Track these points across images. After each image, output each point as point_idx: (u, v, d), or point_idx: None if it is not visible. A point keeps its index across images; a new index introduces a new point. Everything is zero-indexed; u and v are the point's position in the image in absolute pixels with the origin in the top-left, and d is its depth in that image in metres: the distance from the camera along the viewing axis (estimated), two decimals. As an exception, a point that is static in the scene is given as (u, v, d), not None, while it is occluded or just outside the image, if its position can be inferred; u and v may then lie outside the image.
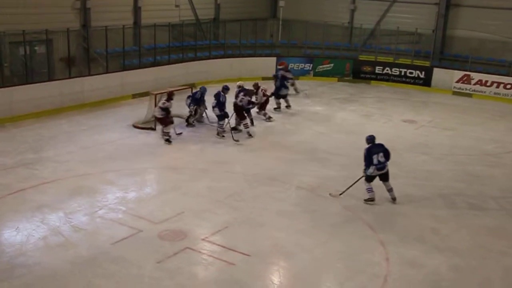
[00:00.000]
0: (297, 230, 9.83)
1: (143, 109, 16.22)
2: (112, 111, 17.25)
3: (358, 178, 11.20)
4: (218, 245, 9.13)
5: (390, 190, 11.23)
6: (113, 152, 13.43)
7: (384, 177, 11.14)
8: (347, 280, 8.35)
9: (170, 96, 14.44)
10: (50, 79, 17.01)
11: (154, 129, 15.20)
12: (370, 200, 11.09)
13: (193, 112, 15.78)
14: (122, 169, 12.29)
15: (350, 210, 10.75)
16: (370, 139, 11.22)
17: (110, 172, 12.08)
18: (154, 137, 14.76)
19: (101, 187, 11.30)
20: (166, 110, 14.25)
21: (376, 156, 10.98)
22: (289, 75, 18.72)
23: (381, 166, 10.99)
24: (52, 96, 16.46)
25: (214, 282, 8.17)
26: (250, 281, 8.18)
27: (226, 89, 15.17)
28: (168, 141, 14.19)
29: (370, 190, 11.11)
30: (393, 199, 11.22)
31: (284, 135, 15.45)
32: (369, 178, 11.10)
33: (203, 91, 15.93)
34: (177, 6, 22.44)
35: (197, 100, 15.74)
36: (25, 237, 9.08)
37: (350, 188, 11.26)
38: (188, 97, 15.95)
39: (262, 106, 16.77)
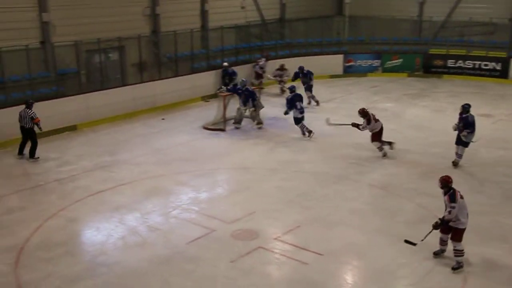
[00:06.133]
0: (370, 229, 9.66)
1: (212, 111, 16.48)
2: (183, 113, 17.64)
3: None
4: (291, 244, 9.12)
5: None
6: (185, 153, 13.73)
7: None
8: (422, 279, 8.12)
9: None
10: (124, 84, 17.66)
11: (224, 130, 15.40)
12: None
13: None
14: (194, 170, 12.54)
15: (424, 208, 10.44)
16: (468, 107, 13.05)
17: (183, 173, 12.35)
18: (223, 138, 14.96)
19: (174, 188, 11.57)
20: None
21: None
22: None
23: None
24: (125, 100, 17.06)
25: (288, 282, 8.17)
26: (323, 281, 8.11)
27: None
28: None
29: None
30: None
31: (353, 133, 15.22)
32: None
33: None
34: (243, 7, 22.65)
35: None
36: (105, 237, 9.44)
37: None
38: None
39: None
